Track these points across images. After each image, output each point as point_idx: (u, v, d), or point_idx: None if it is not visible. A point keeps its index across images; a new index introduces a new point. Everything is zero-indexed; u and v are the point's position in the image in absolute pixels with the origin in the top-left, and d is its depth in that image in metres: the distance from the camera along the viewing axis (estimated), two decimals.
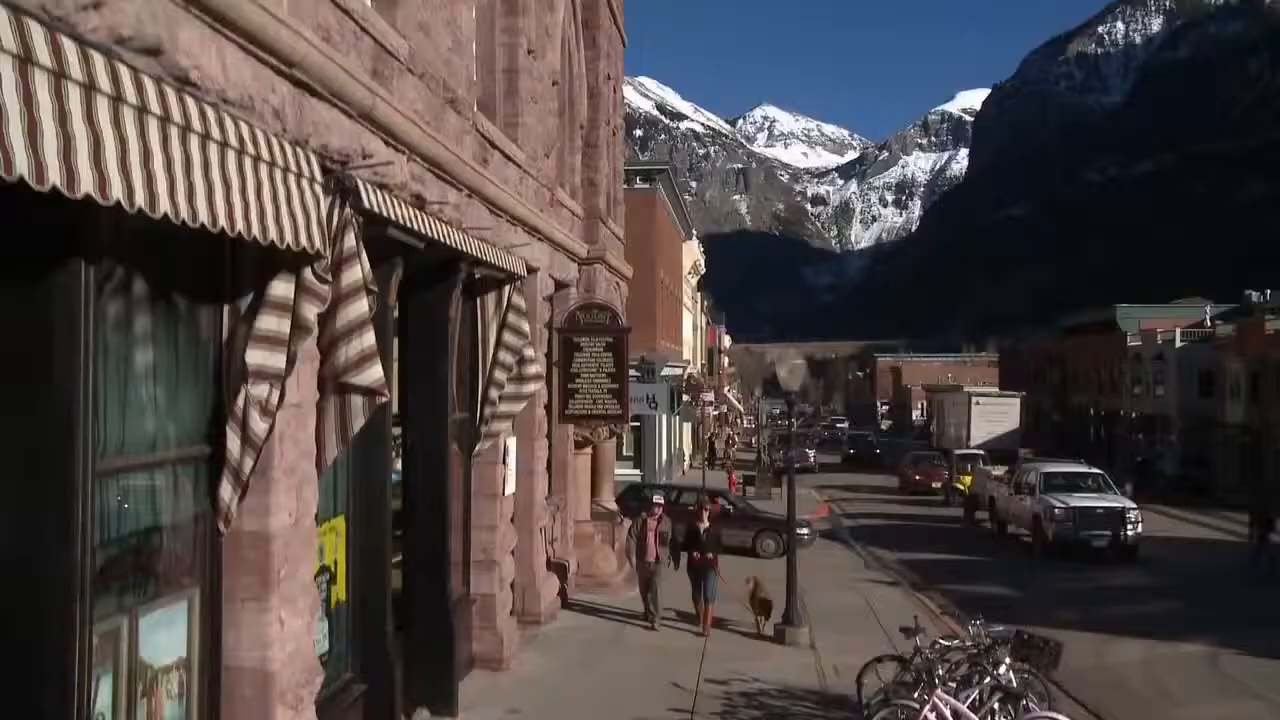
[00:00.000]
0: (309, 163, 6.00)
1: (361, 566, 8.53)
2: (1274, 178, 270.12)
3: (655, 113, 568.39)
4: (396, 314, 9.60)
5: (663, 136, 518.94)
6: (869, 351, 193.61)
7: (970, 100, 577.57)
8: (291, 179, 5.70)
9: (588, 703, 11.36)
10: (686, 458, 51.59)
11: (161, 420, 5.81)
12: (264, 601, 6.31)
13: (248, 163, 5.16)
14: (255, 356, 6.01)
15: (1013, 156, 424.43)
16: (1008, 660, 9.76)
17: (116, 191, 4.04)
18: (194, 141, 4.66)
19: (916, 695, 9.39)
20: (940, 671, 9.43)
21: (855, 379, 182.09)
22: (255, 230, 5.19)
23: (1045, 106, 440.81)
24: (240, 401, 6.01)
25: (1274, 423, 47.60)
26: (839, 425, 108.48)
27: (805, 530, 23.45)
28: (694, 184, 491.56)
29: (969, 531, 32.00)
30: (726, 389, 79.41)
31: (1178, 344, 57.75)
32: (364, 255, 6.85)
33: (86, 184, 3.88)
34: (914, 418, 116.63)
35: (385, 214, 7.35)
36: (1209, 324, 61.60)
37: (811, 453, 56.93)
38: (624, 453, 31.24)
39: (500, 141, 11.70)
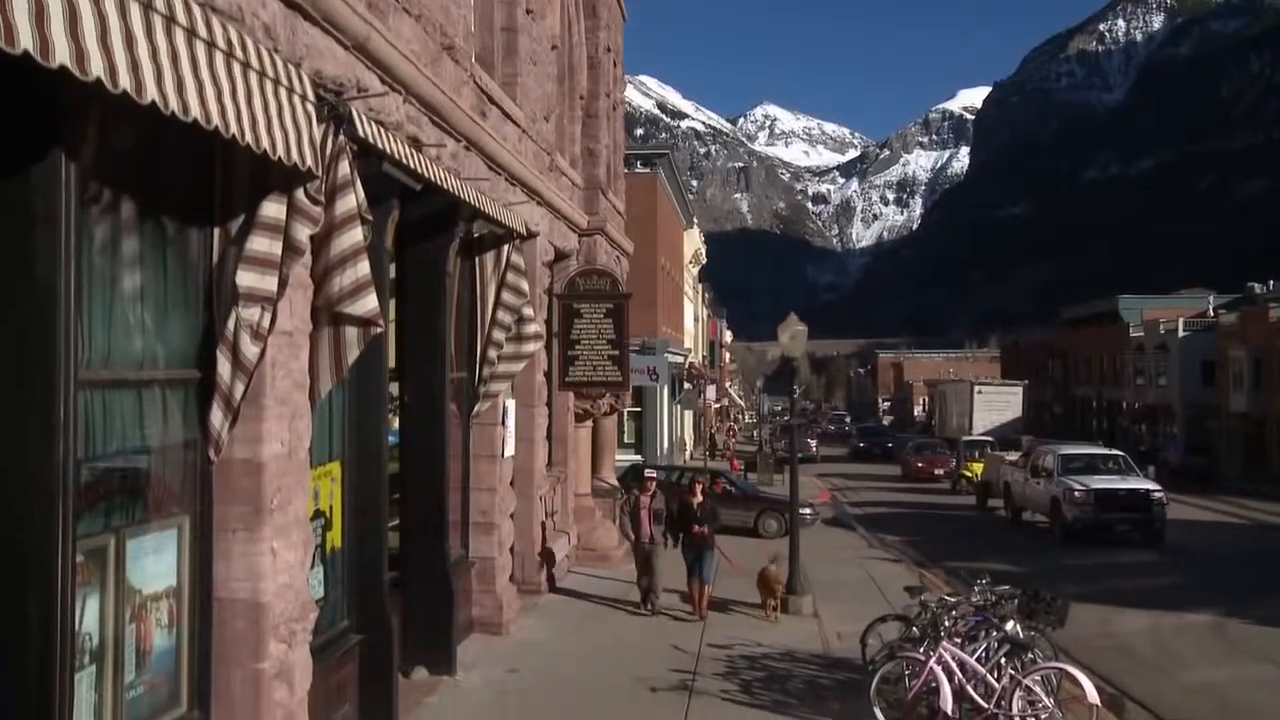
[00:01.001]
0: (301, 80, 5.84)
1: (357, 514, 8.38)
2: (1275, 175, 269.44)
3: (656, 111, 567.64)
4: (394, 269, 9.46)
5: (664, 135, 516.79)
6: (871, 349, 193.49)
7: (971, 98, 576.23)
8: (283, 92, 5.53)
9: (588, 663, 11.22)
10: (688, 447, 51.44)
11: (148, 338, 5.66)
12: (255, 532, 6.16)
13: (236, 67, 4.99)
14: (246, 278, 5.86)
15: (1014, 154, 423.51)
16: (1014, 618, 9.62)
17: (96, 68, 3.86)
18: (179, 35, 4.48)
19: (922, 650, 9.27)
20: (946, 624, 9.30)
21: (857, 375, 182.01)
22: (249, 137, 5.02)
23: (1046, 104, 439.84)
24: (231, 324, 5.86)
25: (1278, 411, 47.43)
26: (845, 420, 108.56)
27: (808, 510, 23.28)
28: (695, 182, 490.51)
29: (982, 519, 31.43)
30: (727, 384, 79.30)
31: (1180, 334, 57.57)
32: (358, 184, 6.69)
33: (62, 54, 3.69)
34: (915, 413, 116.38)
35: (380, 146, 7.22)
36: (1212, 314, 61.48)
37: (813, 442, 56.79)
38: (625, 440, 31.10)
39: (499, 97, 11.55)
